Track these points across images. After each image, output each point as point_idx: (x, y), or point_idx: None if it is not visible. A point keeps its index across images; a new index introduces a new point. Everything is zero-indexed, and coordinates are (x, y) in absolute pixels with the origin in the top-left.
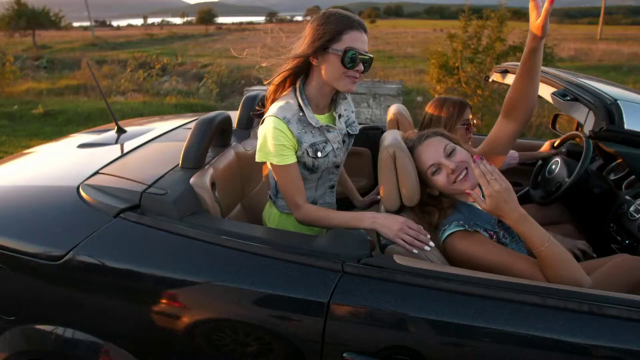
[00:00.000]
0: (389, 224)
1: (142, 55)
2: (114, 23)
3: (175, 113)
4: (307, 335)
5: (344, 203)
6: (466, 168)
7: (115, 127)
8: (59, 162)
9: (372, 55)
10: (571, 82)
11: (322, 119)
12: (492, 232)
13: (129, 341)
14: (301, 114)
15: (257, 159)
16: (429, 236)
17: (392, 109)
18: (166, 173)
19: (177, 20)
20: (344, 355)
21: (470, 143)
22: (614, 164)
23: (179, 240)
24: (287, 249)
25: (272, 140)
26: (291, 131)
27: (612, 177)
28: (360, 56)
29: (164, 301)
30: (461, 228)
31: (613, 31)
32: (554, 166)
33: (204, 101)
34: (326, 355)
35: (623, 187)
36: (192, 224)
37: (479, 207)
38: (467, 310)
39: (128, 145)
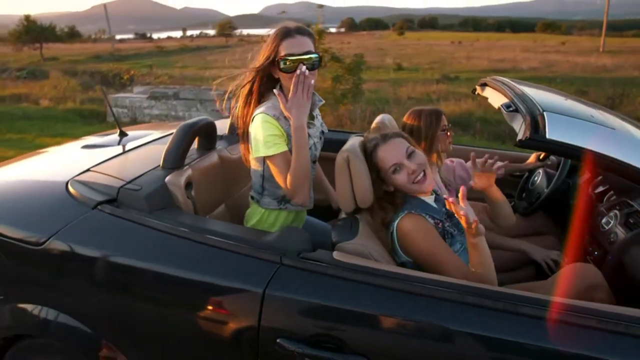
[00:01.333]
0: (294, 107)
1: (117, 67)
2: (155, 35)
3: (63, 117)
4: (245, 321)
5: (326, 210)
6: (424, 170)
7: (118, 131)
8: (61, 161)
9: (313, 55)
10: (517, 93)
11: None
12: (438, 220)
13: (101, 323)
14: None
15: (254, 155)
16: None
17: (377, 119)
18: (147, 172)
19: (211, 32)
20: (278, 340)
21: (451, 148)
22: (600, 177)
23: (145, 231)
24: (231, 239)
25: (264, 132)
26: (282, 126)
27: (598, 190)
28: (294, 58)
29: (128, 286)
30: (408, 212)
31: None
32: (536, 178)
33: (100, 107)
34: (262, 340)
35: (605, 200)
36: (159, 217)
37: (430, 203)
38: (389, 304)
39: (124, 148)
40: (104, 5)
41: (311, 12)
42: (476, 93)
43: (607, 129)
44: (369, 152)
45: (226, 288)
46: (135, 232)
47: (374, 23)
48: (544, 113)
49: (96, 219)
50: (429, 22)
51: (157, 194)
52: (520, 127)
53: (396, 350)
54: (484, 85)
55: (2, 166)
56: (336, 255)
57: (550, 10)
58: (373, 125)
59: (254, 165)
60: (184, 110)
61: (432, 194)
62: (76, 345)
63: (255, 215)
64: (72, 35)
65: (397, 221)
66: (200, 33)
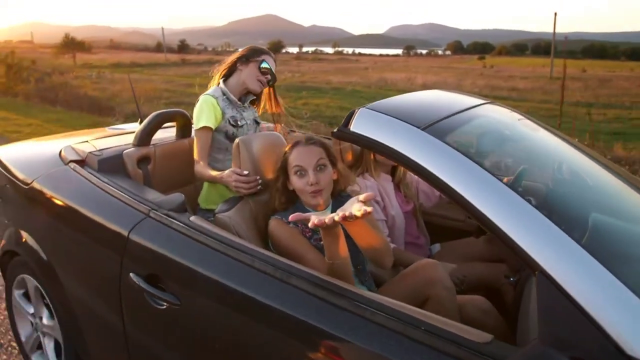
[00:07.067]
0: (226, 180)
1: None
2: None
3: None
4: (115, 255)
5: None
6: (321, 190)
7: (139, 119)
8: (86, 134)
9: (275, 75)
10: None
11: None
12: (308, 228)
13: (52, 250)
14: (224, 96)
15: (194, 126)
16: (259, 180)
17: None
18: (121, 145)
19: (329, 50)
20: (130, 274)
21: None
22: None
23: (85, 184)
24: (125, 192)
25: (202, 108)
26: (219, 104)
27: None
28: (269, 69)
29: (68, 224)
30: (279, 217)
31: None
32: None
33: None
34: (123, 271)
35: None
36: (99, 176)
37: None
38: (205, 260)
39: (130, 130)
40: (162, 28)
41: (435, 34)
42: None
43: (415, 129)
44: (289, 146)
45: (110, 229)
46: (80, 183)
47: (481, 47)
48: (359, 109)
49: (64, 172)
50: (544, 47)
51: (111, 161)
52: None
53: (204, 299)
54: None
55: (59, 138)
56: (192, 218)
57: None
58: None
59: None
60: None
61: (327, 210)
62: (37, 266)
63: (205, 185)
64: (182, 47)
65: (270, 221)
66: (316, 49)
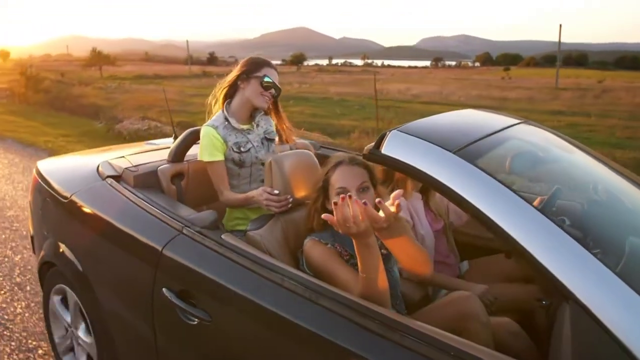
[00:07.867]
0: (257, 199)
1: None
2: (305, 62)
3: None
4: (149, 269)
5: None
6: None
7: (174, 135)
8: (123, 149)
9: (279, 87)
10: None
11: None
12: (347, 252)
13: (86, 262)
14: (226, 122)
15: (198, 157)
16: (290, 198)
17: None
18: (156, 161)
19: (359, 62)
20: (163, 289)
21: None
22: None
23: (121, 199)
24: (160, 208)
25: (204, 143)
26: (219, 134)
27: None
28: (271, 82)
29: (104, 236)
30: (316, 238)
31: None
32: None
33: None
34: (156, 285)
35: None
36: (134, 191)
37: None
38: (236, 278)
39: (164, 146)
40: (187, 41)
41: (467, 46)
42: None
43: (447, 153)
44: (331, 166)
45: (144, 243)
46: (117, 199)
47: (510, 58)
48: (391, 131)
49: (101, 187)
50: (576, 59)
51: (147, 176)
52: None
53: (235, 316)
54: None
55: (97, 152)
56: (224, 236)
57: None
58: None
59: None
60: None
61: None
62: (73, 277)
63: (227, 211)
64: (211, 59)
65: (306, 241)
66: (345, 62)
